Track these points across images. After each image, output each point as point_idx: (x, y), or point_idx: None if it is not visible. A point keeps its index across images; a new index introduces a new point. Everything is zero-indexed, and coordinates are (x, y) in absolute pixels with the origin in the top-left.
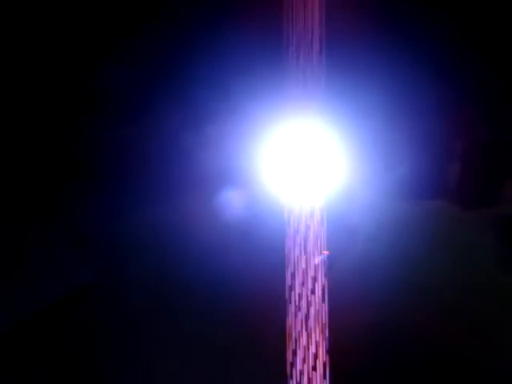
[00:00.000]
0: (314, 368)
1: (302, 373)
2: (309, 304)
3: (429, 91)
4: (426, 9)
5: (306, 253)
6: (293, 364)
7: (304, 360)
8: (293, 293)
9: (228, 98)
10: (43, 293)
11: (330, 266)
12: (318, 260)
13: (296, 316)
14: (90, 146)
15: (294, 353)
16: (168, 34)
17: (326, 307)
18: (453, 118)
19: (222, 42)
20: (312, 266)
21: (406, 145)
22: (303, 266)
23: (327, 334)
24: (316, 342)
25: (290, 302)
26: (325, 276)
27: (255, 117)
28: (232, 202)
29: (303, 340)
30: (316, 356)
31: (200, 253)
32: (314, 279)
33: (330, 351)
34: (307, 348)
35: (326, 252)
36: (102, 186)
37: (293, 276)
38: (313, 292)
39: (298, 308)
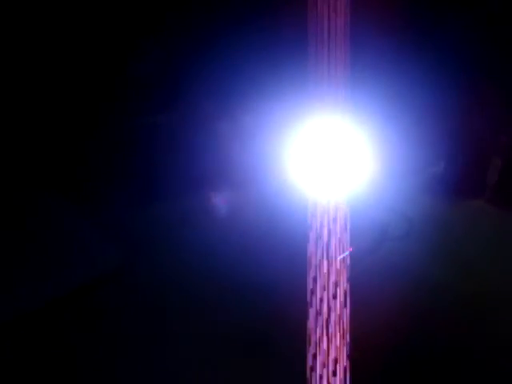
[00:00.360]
0: (334, 373)
1: (321, 377)
2: (330, 307)
3: (461, 87)
4: (454, 7)
5: (328, 251)
6: (313, 368)
7: (324, 364)
8: (314, 295)
9: (258, 92)
10: (70, 275)
11: (357, 264)
12: (340, 257)
13: (317, 318)
14: (122, 132)
15: (315, 357)
16: (201, 26)
17: (347, 310)
18: (489, 114)
19: (252, 37)
20: (334, 265)
21: (441, 142)
22: (325, 265)
23: (348, 339)
24: (337, 347)
25: (311, 306)
26: (347, 278)
27: (282, 112)
28: (255, 196)
29: (324, 344)
30: (336, 361)
31: (220, 248)
32: (337, 278)
33: (351, 356)
34: (327, 352)
35: (349, 249)
36: (131, 174)
37: (314, 278)
38: (334, 296)
39: (319, 311)
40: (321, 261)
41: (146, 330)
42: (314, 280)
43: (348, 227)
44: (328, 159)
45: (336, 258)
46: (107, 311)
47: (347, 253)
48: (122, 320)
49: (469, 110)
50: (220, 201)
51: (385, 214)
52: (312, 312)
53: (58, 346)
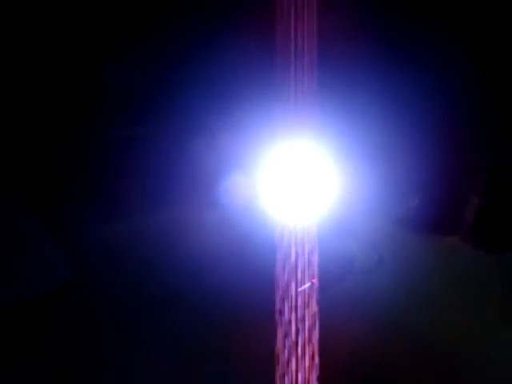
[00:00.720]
0: None
1: None
2: (298, 332)
3: (438, 120)
4: (421, 14)
5: (296, 279)
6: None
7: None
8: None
9: (234, 108)
10: (23, 285)
11: (323, 295)
12: (304, 287)
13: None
14: (95, 144)
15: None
16: (178, 39)
17: (316, 338)
18: (468, 150)
19: (229, 52)
20: (302, 293)
21: (418, 176)
22: (293, 293)
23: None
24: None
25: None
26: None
27: (256, 130)
28: (226, 214)
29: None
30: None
31: (188, 261)
32: (305, 309)
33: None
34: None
35: (314, 280)
36: (103, 186)
37: (282, 301)
38: (303, 320)
39: (287, 334)
40: (288, 286)
41: (99, 344)
42: (282, 308)
43: (316, 254)
44: (297, 184)
45: (301, 286)
46: (59, 325)
47: (310, 284)
48: (73, 333)
49: (448, 145)
50: (189, 218)
51: (353, 244)
52: (280, 333)
53: (5, 361)
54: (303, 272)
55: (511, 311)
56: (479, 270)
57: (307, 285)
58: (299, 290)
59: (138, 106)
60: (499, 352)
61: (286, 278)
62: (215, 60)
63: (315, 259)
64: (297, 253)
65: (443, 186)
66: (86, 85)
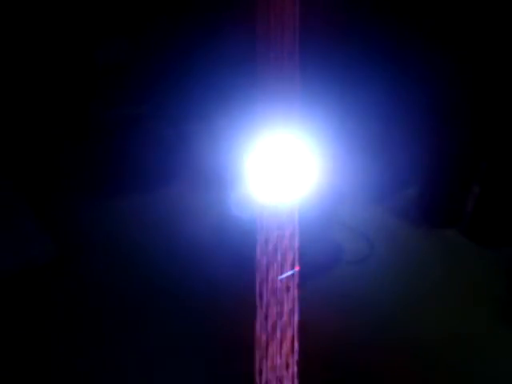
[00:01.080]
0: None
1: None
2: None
3: (438, 107)
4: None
5: (277, 262)
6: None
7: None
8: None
9: (233, 95)
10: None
11: (305, 286)
12: (286, 275)
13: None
14: (92, 126)
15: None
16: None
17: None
18: (469, 137)
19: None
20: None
21: (416, 164)
22: (274, 279)
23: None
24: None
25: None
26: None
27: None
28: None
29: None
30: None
31: (167, 249)
32: (287, 298)
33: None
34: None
35: (296, 267)
36: (100, 166)
37: (262, 286)
38: (284, 312)
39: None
40: (268, 274)
41: (84, 325)
42: (261, 297)
43: (297, 244)
44: (284, 170)
45: (281, 275)
46: (37, 304)
47: (292, 272)
48: (52, 313)
49: (447, 131)
50: (175, 201)
51: (343, 233)
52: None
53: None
54: (284, 258)
55: (507, 310)
56: (475, 265)
57: (289, 272)
58: (280, 277)
59: (136, 87)
60: (491, 348)
61: (266, 263)
62: (213, 49)
63: (296, 245)
64: (278, 238)
65: (441, 178)
66: (85, 65)
